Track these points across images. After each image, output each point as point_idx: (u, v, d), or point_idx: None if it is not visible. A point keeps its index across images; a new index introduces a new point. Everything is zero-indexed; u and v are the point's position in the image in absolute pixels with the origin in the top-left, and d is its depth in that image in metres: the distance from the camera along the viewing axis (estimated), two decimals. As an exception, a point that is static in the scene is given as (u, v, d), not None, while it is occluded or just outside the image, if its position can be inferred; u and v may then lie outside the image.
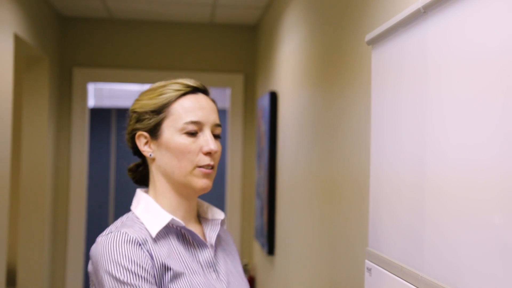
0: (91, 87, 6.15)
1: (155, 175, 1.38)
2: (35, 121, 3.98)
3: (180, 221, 1.33)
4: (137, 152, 1.43)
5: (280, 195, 3.30)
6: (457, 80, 1.06)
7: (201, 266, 1.33)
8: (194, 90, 1.40)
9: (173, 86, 1.38)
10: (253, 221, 4.43)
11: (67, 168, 4.32)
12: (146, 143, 1.38)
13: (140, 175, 1.47)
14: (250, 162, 4.55)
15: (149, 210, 1.35)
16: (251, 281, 4.25)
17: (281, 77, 3.37)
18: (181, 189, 1.37)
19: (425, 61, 1.18)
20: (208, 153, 1.35)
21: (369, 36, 1.53)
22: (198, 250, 1.35)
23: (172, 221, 1.32)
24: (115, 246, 1.23)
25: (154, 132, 1.36)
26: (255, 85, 4.55)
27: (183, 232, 1.35)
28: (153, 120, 1.36)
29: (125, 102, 6.00)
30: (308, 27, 2.68)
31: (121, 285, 1.20)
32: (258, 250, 4.14)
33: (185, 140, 1.34)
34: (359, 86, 1.79)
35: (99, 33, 4.43)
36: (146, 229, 1.30)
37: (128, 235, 1.25)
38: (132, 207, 1.38)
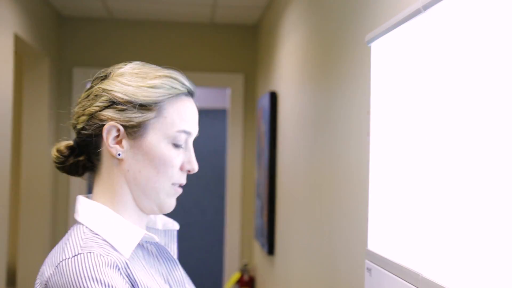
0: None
1: (117, 180, 1.13)
2: (35, 121, 3.98)
3: (153, 236, 1.12)
4: (87, 140, 1.14)
5: (280, 195, 3.30)
6: (457, 79, 1.06)
7: (171, 286, 1.16)
8: (188, 92, 1.18)
9: (169, 81, 1.15)
10: (253, 221, 4.43)
11: (67, 168, 4.31)
12: (117, 137, 1.12)
13: (72, 165, 1.18)
14: (250, 162, 4.54)
15: (112, 224, 1.09)
16: (251, 281, 4.25)
17: (281, 77, 3.37)
18: (145, 206, 1.15)
19: (424, 60, 1.18)
20: (187, 172, 1.16)
21: (369, 36, 1.52)
22: (167, 269, 1.17)
23: (144, 237, 1.11)
24: (90, 270, 0.99)
25: (134, 130, 1.11)
26: (255, 85, 4.55)
27: (149, 248, 1.15)
28: (138, 116, 1.11)
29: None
30: (308, 27, 2.68)
31: None
32: (258, 250, 4.14)
33: (172, 151, 1.13)
34: (359, 86, 1.78)
35: (99, 33, 4.43)
36: (114, 249, 1.06)
37: (103, 257, 1.02)
38: (83, 220, 1.11)
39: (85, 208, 1.13)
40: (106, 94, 1.12)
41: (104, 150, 1.13)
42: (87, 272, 0.99)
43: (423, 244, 1.18)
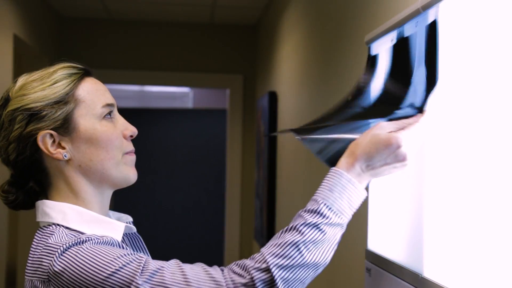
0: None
1: (73, 179, 1.14)
2: (35, 122, 3.97)
3: (132, 227, 1.18)
4: (27, 163, 1.13)
5: (280, 195, 3.30)
6: (457, 79, 1.06)
7: None
8: (86, 72, 1.21)
9: (64, 71, 1.16)
10: (253, 222, 4.43)
11: (66, 169, 4.31)
12: (54, 143, 1.13)
13: (25, 196, 1.18)
14: (250, 162, 4.55)
15: (89, 220, 1.12)
16: (251, 281, 4.25)
17: (281, 78, 3.37)
18: (111, 183, 1.17)
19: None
20: (130, 137, 1.19)
21: (368, 36, 1.52)
22: None
23: (125, 228, 1.14)
24: (95, 251, 1.02)
25: (65, 127, 1.12)
26: (254, 85, 4.55)
27: (124, 239, 1.18)
28: (61, 113, 1.12)
29: (125, 103, 6.00)
30: (308, 28, 2.68)
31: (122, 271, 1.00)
32: (257, 251, 4.13)
33: (107, 126, 1.15)
34: (359, 86, 1.79)
35: (98, 34, 4.43)
36: None
37: (99, 238, 1.06)
38: (61, 221, 1.11)
39: (56, 209, 1.13)
40: (18, 113, 1.11)
41: (47, 161, 1.14)
42: (90, 247, 1.02)
43: (423, 244, 1.18)
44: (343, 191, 1.10)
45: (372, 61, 1.49)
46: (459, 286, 1.03)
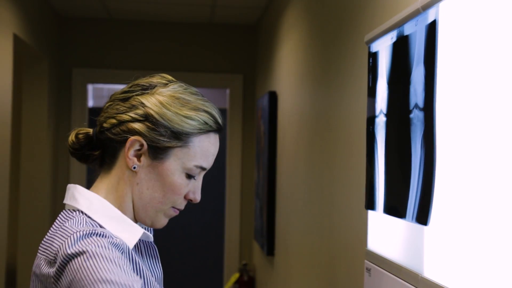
0: (91, 87, 6.15)
1: (124, 187, 1.17)
2: (35, 122, 3.98)
3: (150, 235, 1.19)
4: (107, 141, 1.17)
5: (280, 195, 3.30)
6: (456, 79, 1.06)
7: (153, 283, 1.18)
8: (218, 130, 1.20)
9: (205, 117, 1.17)
10: (253, 222, 4.43)
11: (66, 169, 4.32)
12: (137, 151, 1.15)
13: (84, 154, 1.20)
14: (250, 162, 4.55)
15: (112, 217, 1.14)
16: (251, 282, 4.25)
17: (281, 77, 3.37)
18: (140, 218, 1.19)
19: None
20: (189, 200, 1.21)
21: (368, 36, 1.53)
22: (149, 265, 1.21)
23: (142, 235, 1.16)
24: (104, 251, 1.01)
25: (157, 151, 1.15)
26: (254, 85, 4.55)
27: (140, 245, 1.20)
28: (166, 141, 1.14)
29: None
30: (307, 27, 2.68)
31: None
32: (257, 251, 4.13)
33: (183, 181, 1.17)
34: (358, 86, 1.79)
35: (98, 34, 4.43)
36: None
37: (112, 238, 1.06)
38: (85, 209, 1.14)
39: (85, 197, 1.15)
40: (142, 108, 1.15)
41: (121, 156, 1.16)
42: (102, 245, 1.01)
43: (423, 244, 1.18)
44: None
45: (373, 58, 1.49)
46: (459, 286, 1.02)
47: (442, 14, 1.10)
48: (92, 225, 1.09)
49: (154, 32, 4.48)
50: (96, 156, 1.20)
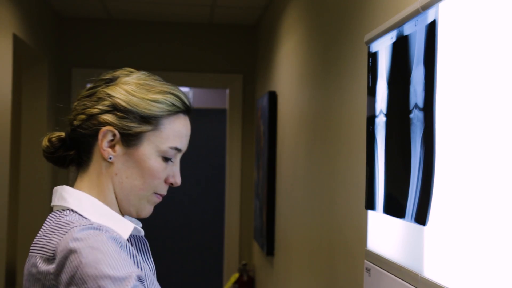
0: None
1: (104, 180, 1.18)
2: (34, 122, 3.98)
3: (141, 230, 1.20)
4: (81, 137, 1.18)
5: (280, 195, 3.30)
6: (456, 79, 1.06)
7: (151, 275, 1.20)
8: (186, 111, 1.22)
9: (171, 98, 1.19)
10: (252, 222, 4.43)
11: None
12: (111, 142, 1.16)
13: (60, 157, 1.21)
14: (249, 162, 4.55)
15: (102, 214, 1.15)
16: (251, 281, 4.25)
17: (280, 77, 3.37)
18: (124, 208, 1.20)
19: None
20: (170, 184, 1.23)
21: (367, 36, 1.53)
22: (143, 260, 1.20)
23: (133, 230, 1.17)
24: (105, 245, 1.02)
25: (130, 138, 1.16)
26: (254, 85, 4.55)
27: (131, 240, 1.19)
28: (136, 127, 1.16)
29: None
30: (307, 27, 2.68)
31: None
32: (257, 251, 4.13)
33: (160, 164, 1.18)
34: (358, 86, 1.79)
35: (98, 34, 4.43)
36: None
37: (109, 232, 1.06)
38: (76, 208, 1.14)
39: (74, 196, 1.16)
40: (109, 99, 1.16)
41: (96, 150, 1.18)
42: (100, 239, 1.02)
43: (422, 244, 1.18)
44: None
45: (372, 58, 1.49)
46: (459, 286, 1.03)
47: (441, 14, 1.11)
48: (87, 220, 1.10)
49: (154, 32, 4.48)
50: (72, 156, 1.21)
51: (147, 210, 1.22)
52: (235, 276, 4.27)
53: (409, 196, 1.21)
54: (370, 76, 1.51)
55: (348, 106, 1.92)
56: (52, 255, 1.05)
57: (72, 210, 1.14)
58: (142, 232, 1.21)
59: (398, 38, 1.31)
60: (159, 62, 4.46)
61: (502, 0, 0.92)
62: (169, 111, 1.18)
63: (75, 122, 1.18)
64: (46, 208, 4.05)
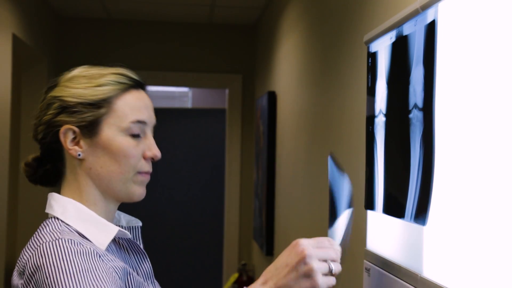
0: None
1: (82, 178, 1.17)
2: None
3: (126, 233, 1.18)
4: (49, 148, 1.20)
5: (279, 195, 3.30)
6: (455, 79, 1.06)
7: (142, 278, 1.20)
8: (136, 85, 1.22)
9: (114, 77, 1.20)
10: (252, 222, 4.43)
11: (65, 169, 4.31)
12: (75, 139, 1.17)
13: (43, 174, 1.23)
14: (249, 162, 4.55)
15: (85, 219, 1.14)
16: (250, 282, 4.25)
17: (280, 77, 3.37)
18: (114, 196, 1.19)
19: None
20: (151, 159, 1.21)
21: (367, 36, 1.53)
22: (136, 262, 1.21)
23: (117, 233, 1.15)
24: (71, 254, 1.02)
25: (89, 129, 1.16)
26: (253, 85, 4.55)
27: (120, 242, 1.19)
28: (90, 115, 1.15)
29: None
30: (307, 27, 2.68)
31: None
32: (256, 251, 4.13)
33: (129, 142, 1.17)
34: (358, 85, 1.79)
35: (97, 34, 4.43)
36: (90, 242, 1.10)
37: (82, 245, 1.05)
38: (59, 215, 1.15)
39: (59, 203, 1.17)
40: (56, 100, 1.18)
41: (65, 153, 1.19)
42: (67, 255, 1.02)
43: (422, 244, 1.18)
44: None
45: (372, 58, 1.49)
46: (458, 286, 1.03)
47: (441, 14, 1.11)
48: (64, 232, 1.09)
49: (153, 32, 4.48)
50: (51, 170, 1.22)
51: (138, 192, 1.20)
52: (234, 276, 4.27)
53: (408, 196, 1.21)
54: (370, 76, 1.51)
55: (347, 106, 1.92)
56: (22, 269, 1.08)
57: (57, 218, 1.15)
58: (128, 235, 1.18)
59: (397, 38, 1.31)
60: (158, 62, 4.46)
61: (502, 0, 0.92)
62: (117, 89, 1.18)
63: (39, 136, 1.20)
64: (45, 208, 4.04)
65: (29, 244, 1.11)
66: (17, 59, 3.98)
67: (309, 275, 1.06)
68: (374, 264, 1.45)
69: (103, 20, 4.43)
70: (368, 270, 1.49)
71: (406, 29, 1.25)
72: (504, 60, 0.91)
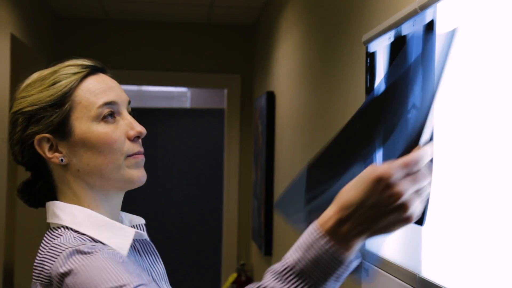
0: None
1: (74, 184, 1.11)
2: (32, 122, 3.97)
3: (143, 233, 1.14)
4: (32, 165, 1.14)
5: (277, 195, 3.30)
6: (454, 79, 1.06)
7: (155, 280, 1.15)
8: (92, 70, 1.15)
9: (67, 69, 1.14)
10: (250, 222, 4.43)
11: (64, 169, 4.31)
12: (52, 147, 1.10)
13: (38, 194, 1.17)
14: (247, 162, 4.55)
15: (98, 224, 1.08)
16: (249, 282, 4.25)
17: (279, 77, 3.37)
18: (113, 187, 1.13)
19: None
20: (136, 138, 1.13)
21: (365, 36, 1.53)
22: (149, 263, 1.16)
23: (135, 235, 1.10)
24: (97, 261, 0.97)
25: (60, 130, 1.09)
26: (252, 85, 4.55)
27: (131, 243, 1.11)
28: (55, 116, 1.09)
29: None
30: (305, 27, 2.68)
31: None
32: (255, 251, 4.13)
33: (106, 128, 1.10)
34: (356, 86, 1.79)
35: (96, 34, 4.43)
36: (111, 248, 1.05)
37: (103, 250, 1.00)
38: (65, 222, 1.09)
39: (66, 211, 1.11)
40: (18, 115, 1.11)
41: (50, 164, 1.13)
42: (97, 255, 0.98)
43: (420, 243, 1.18)
44: (314, 253, 0.92)
45: (370, 58, 1.49)
46: (457, 286, 1.03)
47: (439, 14, 1.11)
48: (81, 239, 1.05)
49: (152, 32, 4.48)
50: (44, 187, 1.16)
51: (136, 175, 1.13)
52: (233, 276, 4.27)
53: (407, 196, 1.21)
54: (368, 76, 1.51)
55: (346, 106, 1.92)
56: (48, 281, 1.01)
57: (67, 227, 1.09)
58: (145, 235, 1.14)
59: (396, 38, 1.31)
60: (157, 62, 4.46)
61: (500, 0, 0.93)
62: (73, 81, 1.11)
63: (18, 158, 1.15)
64: (44, 209, 4.03)
65: (45, 256, 1.05)
66: (16, 59, 3.97)
67: (406, 217, 0.87)
68: (373, 264, 1.45)
69: (102, 20, 4.43)
70: (366, 270, 1.49)
71: (405, 29, 1.25)
72: (503, 60, 0.91)
